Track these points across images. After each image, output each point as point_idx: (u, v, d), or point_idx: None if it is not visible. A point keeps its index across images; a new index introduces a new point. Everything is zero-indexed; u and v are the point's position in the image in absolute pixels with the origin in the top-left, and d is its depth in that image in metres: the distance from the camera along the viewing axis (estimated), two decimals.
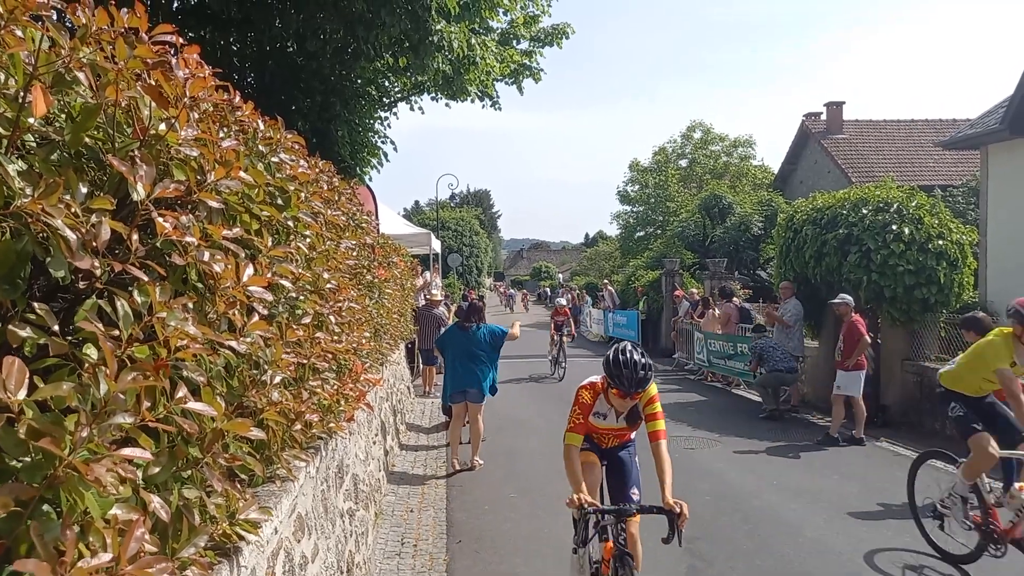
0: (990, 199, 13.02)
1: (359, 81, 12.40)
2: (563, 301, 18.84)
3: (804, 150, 30.22)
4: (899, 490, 7.18)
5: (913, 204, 10.52)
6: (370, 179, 13.99)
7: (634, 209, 40.81)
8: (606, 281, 27.67)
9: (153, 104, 1.77)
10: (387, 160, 14.62)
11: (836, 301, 9.68)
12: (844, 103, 28.70)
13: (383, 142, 14.60)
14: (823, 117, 29.29)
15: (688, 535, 6.02)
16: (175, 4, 10.10)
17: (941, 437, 9.57)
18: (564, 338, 15.78)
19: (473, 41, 11.06)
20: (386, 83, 14.37)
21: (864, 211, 10.54)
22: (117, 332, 1.54)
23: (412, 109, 15.68)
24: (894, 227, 10.15)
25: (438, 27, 10.00)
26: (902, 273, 10.02)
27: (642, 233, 38.54)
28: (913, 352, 10.49)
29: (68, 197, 1.52)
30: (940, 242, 10.13)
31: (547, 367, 16.67)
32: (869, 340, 9.30)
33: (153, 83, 1.75)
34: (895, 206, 10.46)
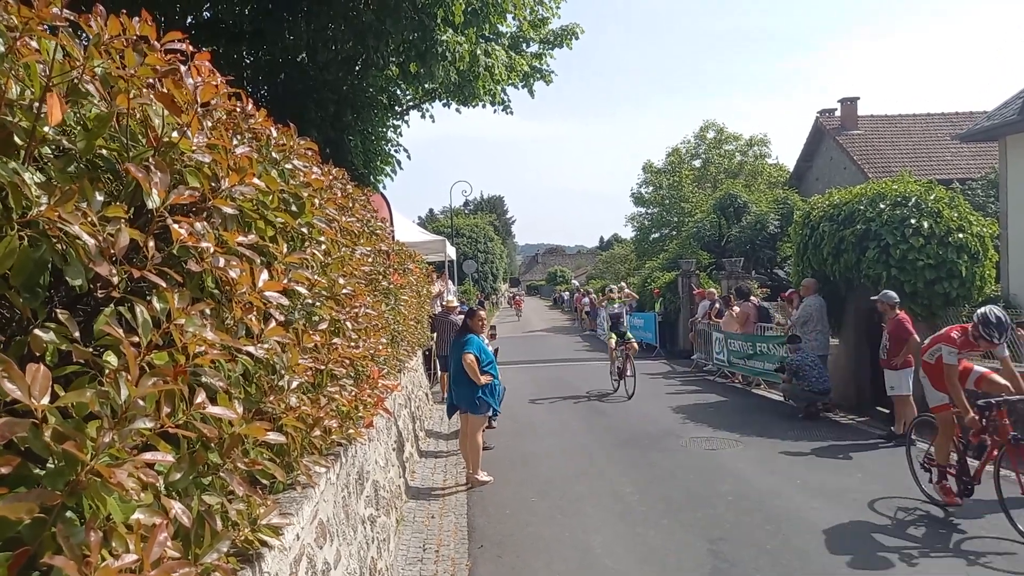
0: (1010, 191, 12.87)
1: (370, 90, 12.47)
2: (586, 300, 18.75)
3: (819, 147, 30.02)
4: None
5: (932, 198, 10.38)
6: (384, 187, 14.05)
7: (649, 211, 40.73)
8: (623, 284, 27.58)
9: (165, 112, 1.78)
10: (400, 168, 14.70)
11: (877, 298, 9.40)
12: (859, 99, 28.50)
13: (396, 150, 14.68)
14: (837, 113, 29.09)
15: (711, 536, 5.99)
16: (188, 19, 10.22)
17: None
18: (628, 345, 13.41)
19: (479, 52, 11.09)
20: (397, 91, 14.45)
21: (882, 206, 10.42)
22: (137, 339, 1.55)
23: (423, 117, 15.77)
24: (913, 221, 10.01)
25: (444, 37, 10.04)
26: (922, 268, 9.88)
27: (657, 235, 38.39)
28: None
29: (84, 205, 1.54)
30: (960, 235, 9.98)
31: (598, 379, 15.25)
32: (918, 340, 9.12)
33: (165, 91, 1.76)
34: (913, 200, 10.33)
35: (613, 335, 13.95)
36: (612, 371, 13.87)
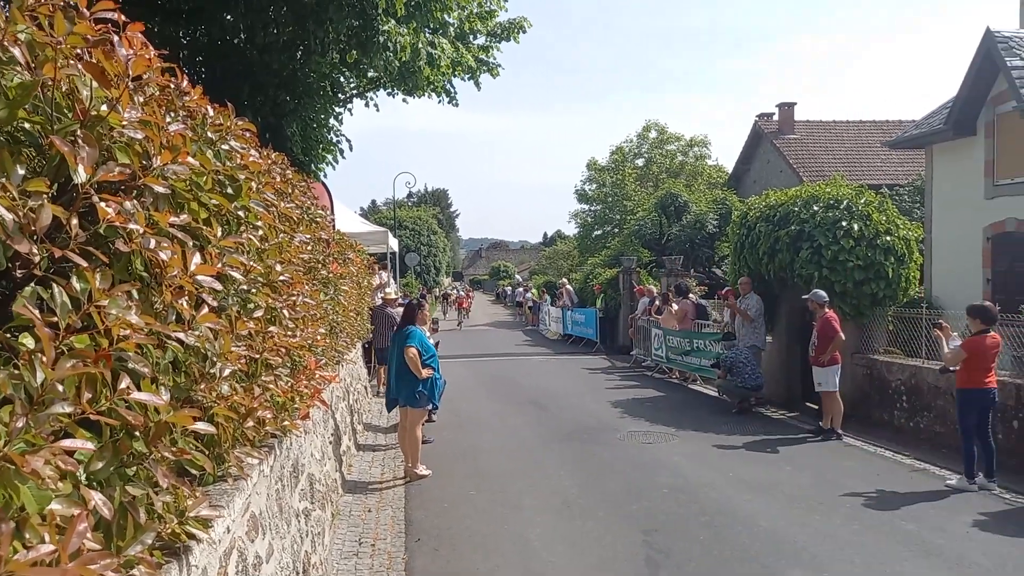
0: (935, 197, 13.44)
1: (312, 76, 12.18)
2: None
3: (757, 150, 30.78)
4: (849, 480, 7.37)
5: (862, 201, 10.78)
6: (325, 176, 13.77)
7: (592, 208, 41.10)
8: (564, 280, 27.78)
9: (94, 84, 1.70)
10: (343, 157, 14.41)
11: (808, 296, 9.76)
12: (796, 104, 29.32)
13: (338, 139, 14.40)
14: (775, 118, 29.87)
15: (646, 527, 6.09)
16: None
17: (891, 428, 9.84)
18: None
19: (420, 45, 10.98)
20: (340, 79, 14.17)
21: (815, 208, 10.75)
22: (55, 319, 1.47)
23: (367, 106, 15.50)
24: (844, 223, 10.38)
25: (386, 27, 9.89)
26: (852, 268, 10.25)
27: (600, 232, 38.80)
28: (862, 345, 10.75)
29: (4, 179, 1.45)
30: (888, 238, 10.39)
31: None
32: (843, 337, 9.44)
33: (94, 61, 1.68)
34: (845, 203, 10.70)
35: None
36: None
